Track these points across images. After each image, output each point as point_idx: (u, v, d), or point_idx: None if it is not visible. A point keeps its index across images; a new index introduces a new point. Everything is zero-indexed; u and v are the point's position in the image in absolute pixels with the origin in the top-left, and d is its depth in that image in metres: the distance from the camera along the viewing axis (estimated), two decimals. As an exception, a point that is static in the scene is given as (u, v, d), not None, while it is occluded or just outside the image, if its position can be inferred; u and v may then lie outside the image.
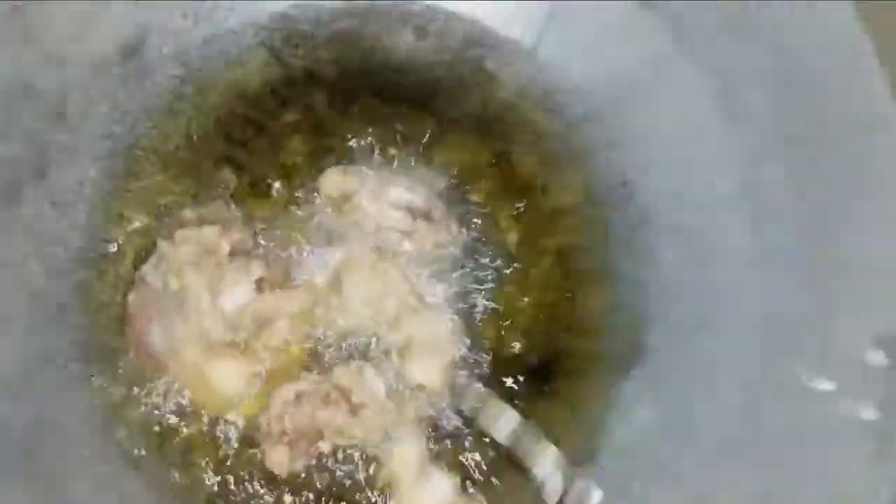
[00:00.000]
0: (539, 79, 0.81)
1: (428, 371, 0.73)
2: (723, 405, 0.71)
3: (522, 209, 0.80)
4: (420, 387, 0.73)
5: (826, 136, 0.65)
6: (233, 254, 0.73)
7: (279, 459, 0.68)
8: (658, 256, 0.78)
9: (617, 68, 0.78)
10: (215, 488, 0.70)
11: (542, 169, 0.81)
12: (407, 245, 0.74)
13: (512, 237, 0.78)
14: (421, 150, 0.80)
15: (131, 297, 0.73)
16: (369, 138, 0.80)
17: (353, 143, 0.79)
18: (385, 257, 0.74)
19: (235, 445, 0.71)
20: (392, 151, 0.79)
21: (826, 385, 0.67)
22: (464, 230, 0.77)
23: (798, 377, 0.68)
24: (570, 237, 0.80)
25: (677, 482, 0.70)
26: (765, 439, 0.67)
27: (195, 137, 0.79)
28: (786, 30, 0.70)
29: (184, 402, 0.71)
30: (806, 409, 0.66)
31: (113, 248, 0.75)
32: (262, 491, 0.70)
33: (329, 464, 0.70)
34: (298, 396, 0.71)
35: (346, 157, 0.79)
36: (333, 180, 0.75)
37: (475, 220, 0.78)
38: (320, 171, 0.77)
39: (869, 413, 0.64)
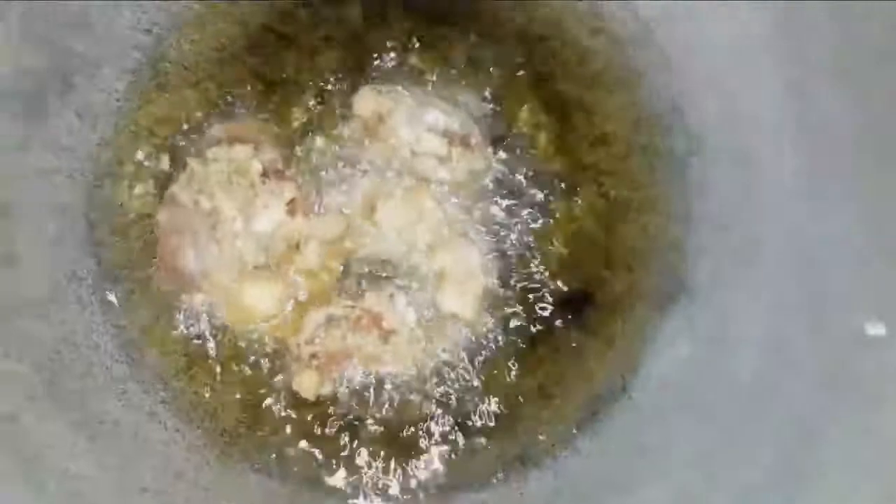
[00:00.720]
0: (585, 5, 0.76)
1: (461, 301, 0.71)
2: (762, 344, 0.68)
3: (565, 135, 0.76)
4: (453, 316, 0.71)
5: (892, 70, 0.60)
6: (265, 174, 0.71)
7: (308, 383, 0.68)
8: (706, 187, 0.74)
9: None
10: (243, 409, 0.70)
11: (587, 92, 0.77)
12: (442, 172, 0.71)
13: (553, 165, 0.75)
14: (460, 70, 0.76)
15: (161, 215, 0.71)
16: (406, 56, 0.76)
17: (388, 62, 0.75)
18: (419, 184, 0.72)
19: (266, 368, 0.70)
20: (429, 72, 0.75)
21: (877, 329, 0.64)
22: (502, 156, 0.74)
23: (846, 320, 0.64)
24: (615, 165, 0.76)
25: (710, 417, 0.68)
26: (803, 382, 0.65)
27: (225, 51, 0.75)
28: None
29: (215, 323, 0.71)
30: (851, 354, 0.63)
31: (143, 163, 0.73)
32: (289, 413, 0.69)
33: (357, 390, 0.70)
34: (330, 320, 0.69)
35: (381, 76, 0.75)
36: (367, 101, 0.72)
37: (515, 146, 0.75)
38: (354, 89, 0.73)
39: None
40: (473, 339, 0.72)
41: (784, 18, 0.68)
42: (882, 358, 0.62)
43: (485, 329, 0.72)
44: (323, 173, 0.73)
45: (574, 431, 0.72)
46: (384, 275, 0.72)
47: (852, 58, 0.65)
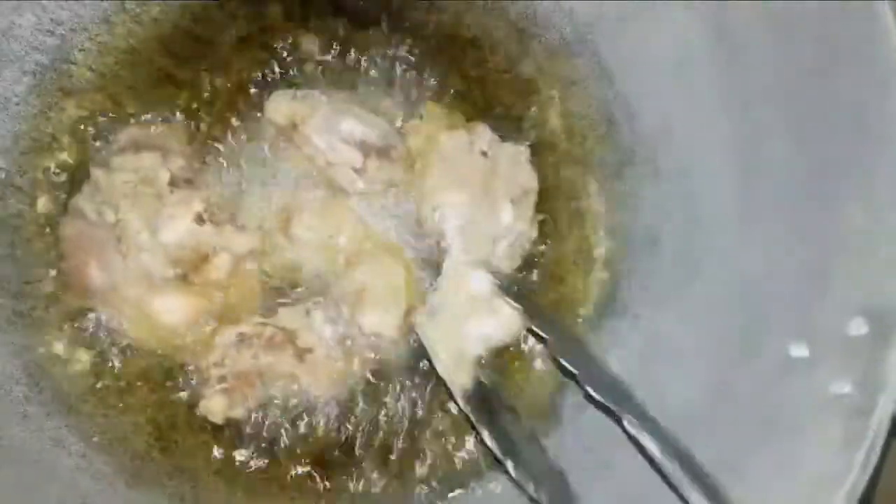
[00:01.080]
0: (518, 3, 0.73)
1: (383, 319, 0.68)
2: (692, 367, 0.67)
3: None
4: (375, 335, 0.69)
5: (832, 86, 0.57)
6: (173, 183, 0.68)
7: (216, 407, 0.65)
8: (639, 202, 0.72)
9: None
10: (153, 433, 0.67)
11: (519, 100, 0.74)
12: (360, 184, 0.68)
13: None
14: (383, 74, 0.72)
15: (64, 229, 0.68)
16: (327, 59, 0.72)
17: (307, 64, 0.72)
18: (336, 196, 0.68)
19: (175, 389, 0.68)
20: (350, 76, 0.72)
21: (802, 352, 0.62)
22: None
23: (774, 344, 0.63)
24: (548, 175, 0.73)
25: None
26: (734, 409, 0.63)
27: (135, 53, 0.71)
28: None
29: (122, 341, 0.68)
30: (778, 379, 0.62)
31: (43, 173, 0.69)
32: (201, 437, 0.67)
33: (270, 412, 0.67)
34: (241, 339, 0.67)
35: (300, 79, 0.71)
36: (280, 106, 0.68)
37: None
38: (270, 93, 0.70)
39: (842, 387, 0.60)
40: (396, 358, 0.69)
41: (721, 30, 0.65)
42: (804, 384, 0.61)
43: (410, 348, 0.70)
44: (236, 183, 0.69)
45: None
46: (300, 290, 0.69)
47: (788, 73, 0.62)
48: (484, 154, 0.70)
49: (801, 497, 0.58)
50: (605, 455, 0.67)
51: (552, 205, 0.73)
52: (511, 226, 0.70)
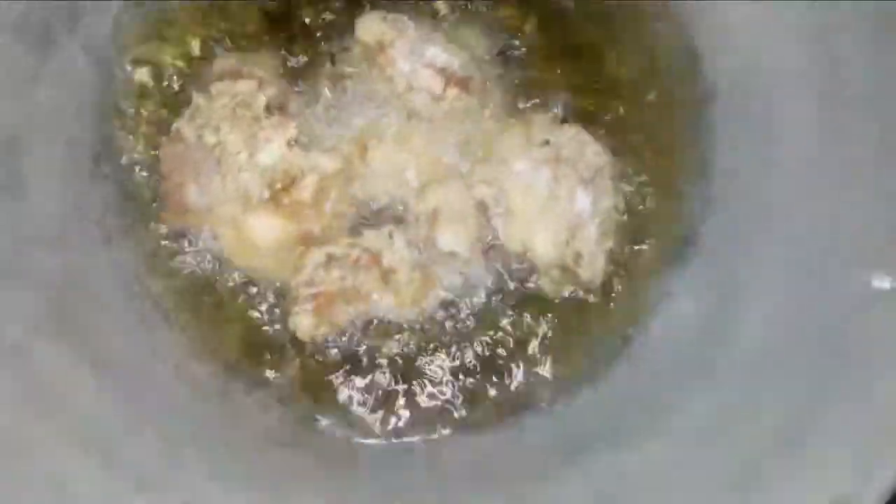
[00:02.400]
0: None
1: (457, 238, 0.70)
2: (770, 302, 0.67)
3: (576, 79, 0.74)
4: (451, 254, 0.71)
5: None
6: (268, 108, 0.71)
7: (305, 324, 0.68)
8: (721, 138, 0.72)
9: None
10: (245, 345, 0.71)
11: (600, 33, 0.74)
12: (437, 111, 0.70)
13: (560, 110, 0.73)
14: (468, 6, 0.74)
15: (165, 150, 0.71)
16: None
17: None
18: (411, 123, 0.71)
19: (266, 305, 0.71)
20: (437, 4, 0.74)
21: (883, 283, 0.62)
22: (503, 101, 0.72)
23: (854, 277, 0.63)
24: (629, 111, 0.74)
25: (712, 376, 0.67)
26: (810, 342, 0.64)
27: (229, -19, 0.74)
28: None
29: (219, 258, 0.71)
30: (858, 311, 0.62)
31: (147, 97, 0.72)
32: (291, 351, 0.70)
33: (356, 330, 0.70)
34: (330, 260, 0.69)
35: (389, 7, 0.73)
36: (370, 26, 0.71)
37: (522, 89, 0.73)
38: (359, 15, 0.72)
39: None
40: (472, 279, 0.72)
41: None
42: (886, 315, 0.61)
43: (483, 270, 0.72)
44: (323, 109, 0.72)
45: (573, 381, 0.72)
46: (382, 212, 0.71)
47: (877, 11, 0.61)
48: (546, 142, 0.70)
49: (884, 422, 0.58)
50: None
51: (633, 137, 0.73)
52: (592, 207, 0.70)
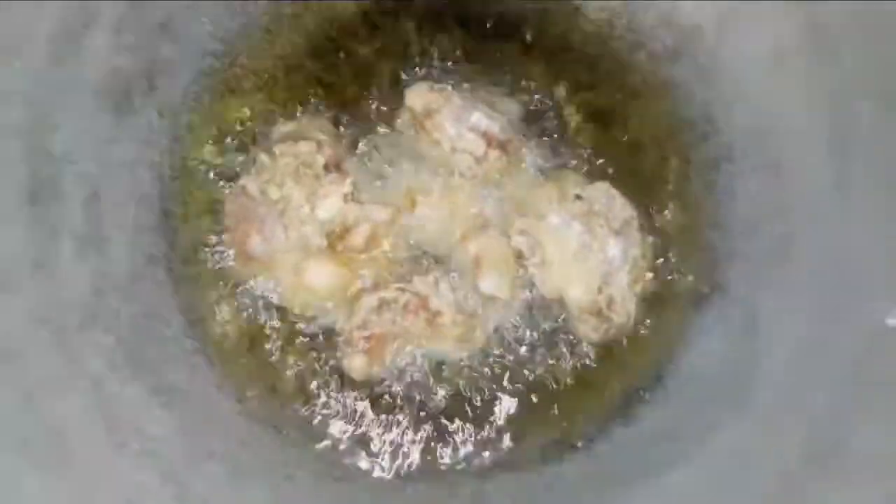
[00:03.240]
0: (624, 11, 0.82)
1: (497, 283, 0.76)
2: (794, 338, 0.72)
3: (603, 141, 0.82)
4: (492, 297, 0.77)
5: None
6: (326, 167, 0.78)
7: (358, 365, 0.73)
8: (737, 192, 0.79)
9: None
10: (299, 386, 0.76)
11: (624, 101, 0.82)
12: (479, 170, 0.77)
13: (588, 168, 0.81)
14: (505, 78, 0.82)
15: (229, 204, 0.78)
16: (455, 65, 0.82)
17: (438, 69, 0.82)
18: (455, 181, 0.78)
19: (321, 348, 0.76)
20: (476, 78, 0.82)
21: (896, 320, 0.67)
22: (538, 160, 0.80)
23: (874, 312, 0.68)
24: (652, 169, 0.81)
25: (742, 408, 0.72)
26: (833, 374, 0.69)
27: (290, 58, 0.82)
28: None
29: (278, 302, 0.77)
30: (879, 345, 0.67)
31: (214, 158, 0.79)
32: (341, 392, 0.75)
33: (405, 371, 0.75)
34: (381, 304, 0.75)
35: (431, 78, 0.81)
36: (420, 95, 0.78)
37: (553, 148, 0.81)
38: (408, 86, 0.80)
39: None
40: (513, 321, 0.77)
41: (814, 27, 0.72)
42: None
43: (520, 313, 0.77)
44: (375, 167, 0.79)
45: (608, 419, 0.77)
46: (427, 261, 0.78)
47: (883, 65, 0.69)
48: (578, 197, 0.78)
49: None
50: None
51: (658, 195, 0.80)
52: (622, 255, 0.77)
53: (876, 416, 0.66)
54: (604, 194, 0.78)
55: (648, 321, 0.78)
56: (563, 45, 0.83)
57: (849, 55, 0.69)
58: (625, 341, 0.78)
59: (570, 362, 0.77)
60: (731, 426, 0.72)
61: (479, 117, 0.78)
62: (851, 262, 0.70)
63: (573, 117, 0.82)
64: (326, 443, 0.75)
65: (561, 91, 0.83)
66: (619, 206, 0.77)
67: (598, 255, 0.76)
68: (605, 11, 0.83)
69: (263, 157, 0.77)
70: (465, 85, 0.81)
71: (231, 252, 0.77)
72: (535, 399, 0.77)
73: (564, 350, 0.77)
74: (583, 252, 0.76)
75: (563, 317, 0.78)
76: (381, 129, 0.81)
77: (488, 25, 0.83)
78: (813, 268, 0.73)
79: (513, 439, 0.76)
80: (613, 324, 0.77)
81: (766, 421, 0.70)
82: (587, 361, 0.77)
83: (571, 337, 0.78)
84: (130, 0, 0.73)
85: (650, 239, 0.79)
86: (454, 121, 0.78)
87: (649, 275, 0.79)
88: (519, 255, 0.78)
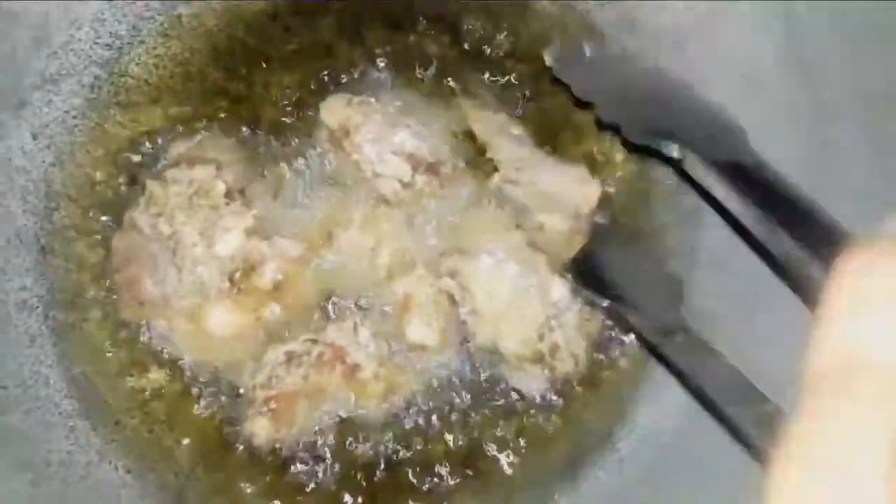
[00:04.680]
0: (579, 9, 0.70)
1: (427, 330, 0.66)
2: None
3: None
4: (420, 346, 0.66)
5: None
6: (228, 195, 0.67)
7: (261, 430, 0.64)
8: (704, 219, 0.69)
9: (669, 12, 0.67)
10: (199, 451, 0.66)
11: (577, 115, 0.71)
12: (406, 196, 0.66)
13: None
14: (438, 87, 0.71)
15: (118, 241, 0.67)
16: (381, 67, 0.71)
17: (360, 74, 0.70)
18: (379, 208, 0.67)
19: (222, 408, 0.66)
20: (405, 85, 0.70)
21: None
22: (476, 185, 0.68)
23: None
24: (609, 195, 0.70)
25: (704, 473, 0.63)
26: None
27: (189, 65, 0.71)
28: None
29: (172, 356, 0.67)
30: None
31: (99, 186, 0.69)
32: (246, 457, 0.65)
33: (317, 433, 0.65)
34: (290, 358, 0.65)
35: (354, 89, 0.70)
36: (334, 110, 0.67)
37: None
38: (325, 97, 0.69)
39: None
40: (443, 374, 0.67)
41: (791, 44, 0.61)
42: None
43: (454, 363, 0.67)
44: (285, 193, 0.68)
45: (553, 487, 0.67)
46: (346, 304, 0.67)
47: (860, 86, 0.58)
48: (519, 227, 0.66)
49: None
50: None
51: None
52: (570, 296, 0.65)
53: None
54: (549, 223, 0.67)
55: (602, 372, 0.68)
56: (508, 48, 0.72)
57: (831, 77, 0.58)
58: (573, 391, 0.68)
59: (508, 420, 0.67)
60: (690, 496, 0.62)
61: (403, 137, 0.67)
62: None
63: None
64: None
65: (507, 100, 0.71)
66: (565, 242, 0.66)
67: (538, 299, 0.65)
68: (559, 8, 0.72)
69: (154, 185, 0.67)
70: (392, 97, 0.70)
71: (119, 297, 0.67)
72: (468, 460, 0.67)
73: (502, 405, 0.67)
74: (519, 297, 0.65)
75: (500, 368, 0.67)
76: (294, 149, 0.69)
77: (419, 27, 0.72)
78: (784, 311, 0.62)
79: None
80: (558, 373, 0.66)
81: (729, 488, 0.60)
82: (528, 418, 0.67)
83: (510, 390, 0.68)
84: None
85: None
86: (374, 141, 0.66)
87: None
88: (451, 299, 0.67)
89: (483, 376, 0.68)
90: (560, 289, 0.66)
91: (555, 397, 0.67)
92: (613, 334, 0.69)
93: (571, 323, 0.66)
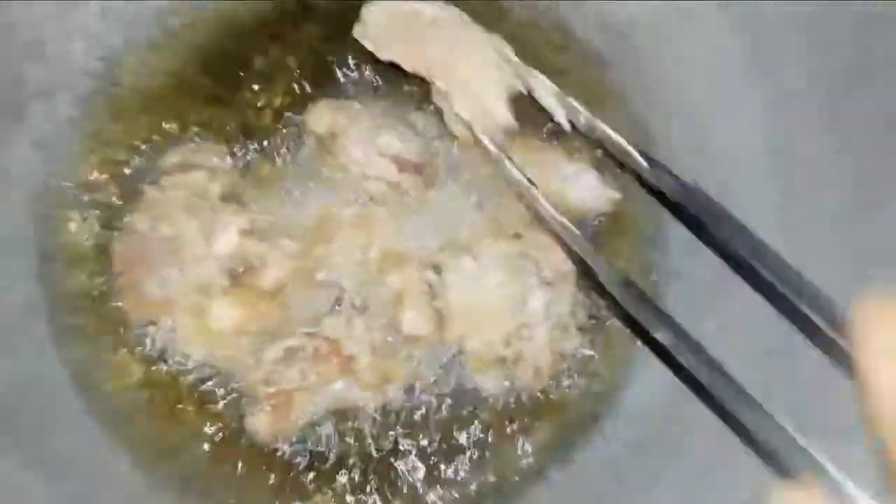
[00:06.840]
0: (552, 12, 0.74)
1: (420, 321, 0.69)
2: (739, 372, 0.66)
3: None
4: (413, 338, 0.69)
5: (869, 93, 0.57)
6: (223, 198, 0.70)
7: (263, 426, 0.66)
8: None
9: (637, 7, 0.70)
10: (204, 446, 0.69)
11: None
12: (392, 196, 0.69)
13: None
14: (425, 92, 0.74)
15: (117, 246, 0.70)
16: (367, 73, 0.74)
17: (346, 79, 0.73)
18: (369, 208, 0.70)
19: (225, 403, 0.69)
20: (391, 91, 0.73)
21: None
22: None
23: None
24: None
25: (688, 449, 0.66)
26: (780, 411, 0.63)
27: (180, 74, 0.73)
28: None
29: (176, 354, 0.69)
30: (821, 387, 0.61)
31: (96, 193, 0.71)
32: (251, 451, 0.68)
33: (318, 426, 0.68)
34: (288, 354, 0.68)
35: (341, 94, 0.73)
36: (321, 115, 0.70)
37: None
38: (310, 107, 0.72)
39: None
40: (437, 362, 0.70)
41: (756, 40, 0.65)
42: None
43: (449, 352, 0.70)
44: (278, 196, 0.71)
45: (545, 462, 0.71)
46: (341, 299, 0.70)
47: (824, 81, 0.62)
48: (518, 236, 0.70)
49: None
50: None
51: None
52: (543, 312, 0.69)
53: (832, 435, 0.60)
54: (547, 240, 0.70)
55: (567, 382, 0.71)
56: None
57: (791, 69, 0.62)
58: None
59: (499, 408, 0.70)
60: (676, 469, 0.66)
61: (388, 140, 0.70)
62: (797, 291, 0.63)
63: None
64: (234, 508, 0.68)
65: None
66: (559, 257, 0.68)
67: (513, 307, 0.68)
68: (533, 10, 0.75)
69: (151, 191, 0.69)
70: (377, 100, 0.73)
71: (123, 298, 0.69)
72: (464, 447, 0.70)
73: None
74: (494, 302, 0.68)
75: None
76: (285, 153, 0.72)
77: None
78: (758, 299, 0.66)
79: (442, 490, 0.70)
80: (517, 381, 0.70)
81: (713, 463, 0.64)
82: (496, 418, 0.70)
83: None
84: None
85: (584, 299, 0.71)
86: (361, 144, 0.69)
87: (575, 336, 0.71)
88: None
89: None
90: (538, 301, 0.69)
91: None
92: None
93: (542, 337, 0.69)
